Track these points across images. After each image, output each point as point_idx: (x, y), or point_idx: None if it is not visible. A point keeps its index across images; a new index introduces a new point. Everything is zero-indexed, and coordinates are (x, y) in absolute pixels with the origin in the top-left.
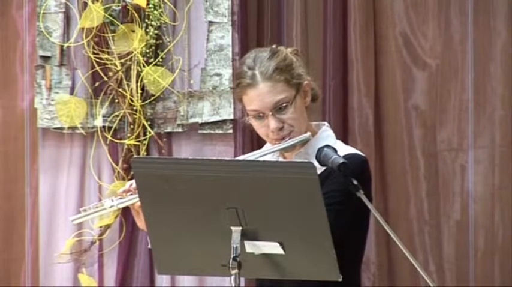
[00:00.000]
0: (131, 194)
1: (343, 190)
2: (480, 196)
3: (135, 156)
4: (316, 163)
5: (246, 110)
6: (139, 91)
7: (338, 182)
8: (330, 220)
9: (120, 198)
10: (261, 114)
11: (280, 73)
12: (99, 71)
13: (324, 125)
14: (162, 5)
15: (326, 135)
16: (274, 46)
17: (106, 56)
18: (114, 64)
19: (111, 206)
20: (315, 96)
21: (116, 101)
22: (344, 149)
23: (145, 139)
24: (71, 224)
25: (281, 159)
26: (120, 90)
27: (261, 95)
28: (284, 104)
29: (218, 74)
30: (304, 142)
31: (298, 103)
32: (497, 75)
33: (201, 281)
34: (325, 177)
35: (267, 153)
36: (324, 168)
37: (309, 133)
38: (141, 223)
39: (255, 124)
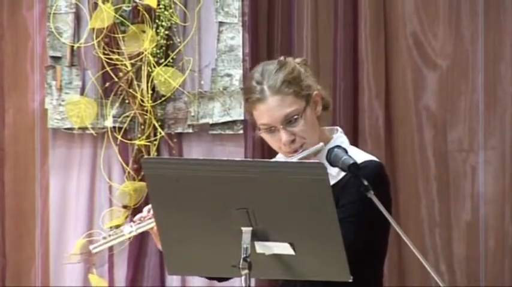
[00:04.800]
0: (149, 219)
1: (360, 200)
2: (490, 196)
3: (146, 156)
4: (327, 166)
5: (257, 124)
6: (150, 91)
7: (354, 193)
8: (351, 232)
9: (139, 223)
10: (272, 128)
11: (289, 86)
12: (109, 71)
13: (338, 130)
14: (172, 6)
15: (340, 142)
16: (282, 58)
17: (116, 56)
18: (125, 65)
19: (130, 232)
20: (326, 104)
21: (126, 101)
22: (359, 156)
23: (155, 140)
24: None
25: None
26: (130, 90)
27: (270, 109)
28: (295, 117)
29: (228, 75)
30: (318, 152)
31: (308, 114)
32: (508, 76)
33: (211, 281)
34: (343, 186)
35: None
36: (340, 177)
37: (321, 144)
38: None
39: (267, 138)
